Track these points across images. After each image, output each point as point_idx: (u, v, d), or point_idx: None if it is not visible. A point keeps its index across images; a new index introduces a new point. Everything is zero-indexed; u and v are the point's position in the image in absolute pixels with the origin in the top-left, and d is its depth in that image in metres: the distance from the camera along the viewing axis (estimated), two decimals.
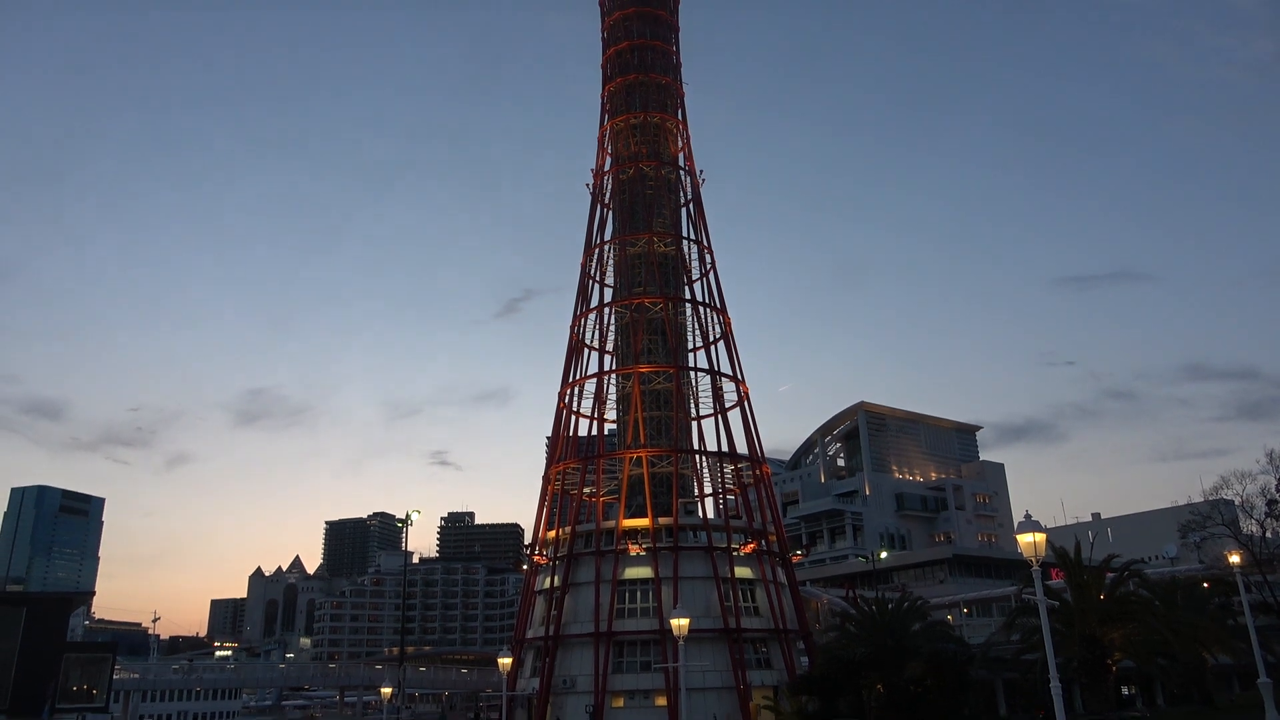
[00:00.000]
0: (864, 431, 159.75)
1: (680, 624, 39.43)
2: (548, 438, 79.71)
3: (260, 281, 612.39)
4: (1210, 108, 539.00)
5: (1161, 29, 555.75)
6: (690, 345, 72.73)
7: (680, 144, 78.62)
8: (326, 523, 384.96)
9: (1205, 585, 55.33)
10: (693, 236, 75.23)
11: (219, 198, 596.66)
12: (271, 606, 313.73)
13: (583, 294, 74.03)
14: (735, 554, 63.95)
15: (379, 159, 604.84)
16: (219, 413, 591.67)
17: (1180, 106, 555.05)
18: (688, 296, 73.00)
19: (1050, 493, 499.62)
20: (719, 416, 69.83)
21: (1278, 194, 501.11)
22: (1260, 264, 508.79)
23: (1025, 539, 22.92)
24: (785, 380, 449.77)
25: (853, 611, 57.89)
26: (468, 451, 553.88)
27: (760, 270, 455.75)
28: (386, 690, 69.25)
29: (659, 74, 78.26)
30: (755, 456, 69.50)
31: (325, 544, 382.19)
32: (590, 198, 77.15)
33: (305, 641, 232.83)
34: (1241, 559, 43.25)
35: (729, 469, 70.35)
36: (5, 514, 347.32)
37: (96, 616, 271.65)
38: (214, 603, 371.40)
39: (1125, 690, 62.50)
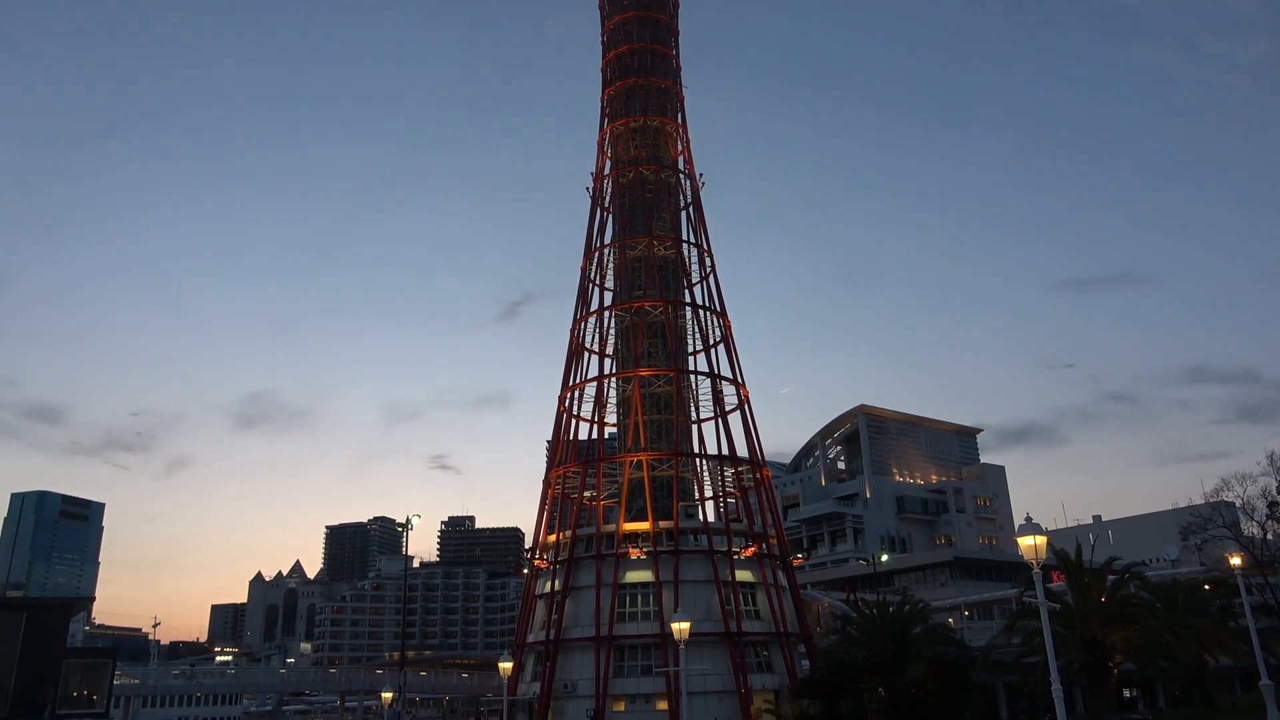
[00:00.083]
0: (864, 434, 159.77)
1: (681, 628, 39.40)
2: (548, 441, 79.73)
3: (261, 285, 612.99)
4: (1210, 110, 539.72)
5: (1161, 32, 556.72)
6: (690, 349, 72.77)
7: (680, 147, 78.71)
8: (327, 527, 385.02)
9: (1206, 587, 55.23)
10: (693, 240, 75.32)
11: (220, 202, 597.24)
12: (272, 611, 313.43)
13: (583, 297, 74.08)
14: (736, 557, 63.91)
15: (379, 163, 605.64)
16: (219, 417, 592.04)
17: (1180, 109, 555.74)
18: (688, 300, 73.05)
19: (1051, 495, 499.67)
20: (719, 420, 69.89)
21: (1278, 196, 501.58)
22: (1261, 266, 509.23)
23: (1026, 542, 22.91)
24: (785, 383, 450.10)
25: (854, 615, 57.86)
26: (468, 455, 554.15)
27: (760, 273, 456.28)
28: (387, 695, 69.29)
29: (659, 78, 78.37)
30: (756, 460, 69.48)
31: (326, 548, 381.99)
32: (590, 201, 77.24)
33: (306, 646, 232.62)
34: (1242, 561, 43.20)
35: (729, 472, 70.34)
36: (5, 519, 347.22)
37: (97, 622, 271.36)
38: (214, 608, 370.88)
39: (1127, 693, 62.47)
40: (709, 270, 74.30)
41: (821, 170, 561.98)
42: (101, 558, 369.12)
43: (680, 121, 79.06)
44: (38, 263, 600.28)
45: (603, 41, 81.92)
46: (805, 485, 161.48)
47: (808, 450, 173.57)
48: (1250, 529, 56.86)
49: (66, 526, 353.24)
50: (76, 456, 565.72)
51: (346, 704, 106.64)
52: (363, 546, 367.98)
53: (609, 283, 75.09)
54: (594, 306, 73.47)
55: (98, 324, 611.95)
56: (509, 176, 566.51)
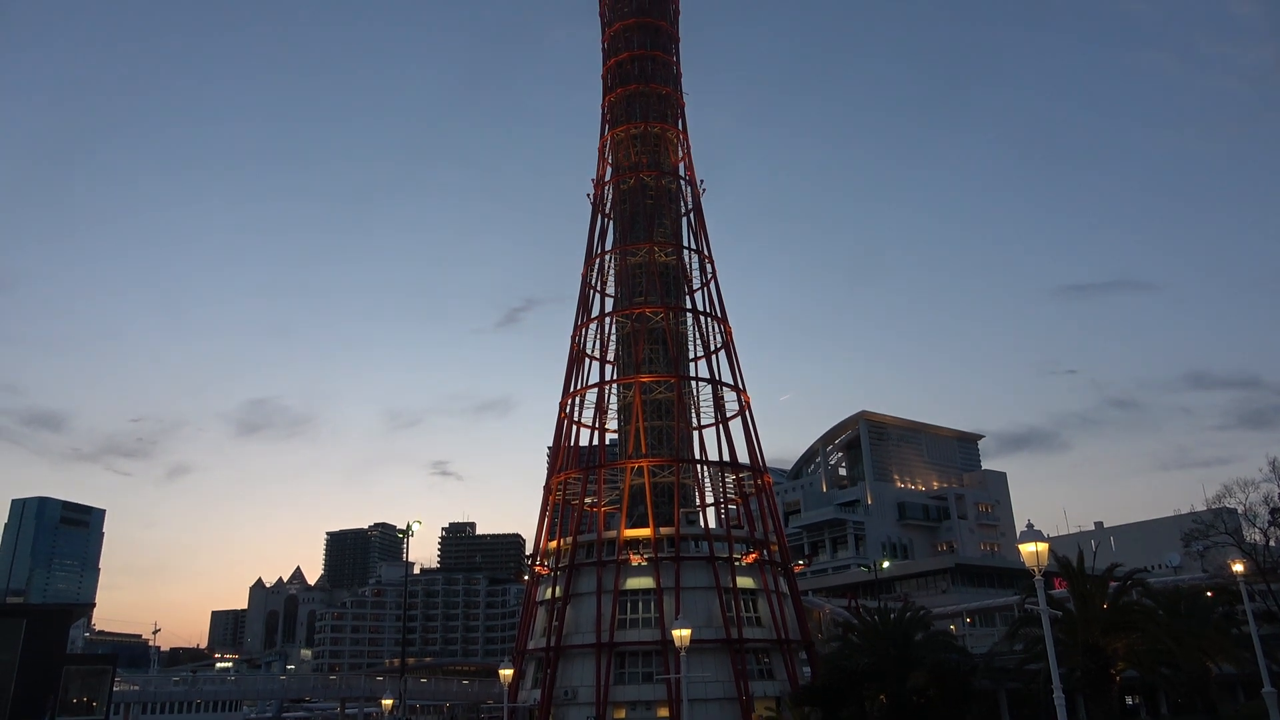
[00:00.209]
0: (865, 441, 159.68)
1: (682, 634, 39.34)
2: (549, 448, 79.55)
3: (262, 292, 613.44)
4: (1210, 115, 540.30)
5: (1161, 37, 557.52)
6: (691, 355, 72.78)
7: (680, 154, 78.83)
8: (327, 533, 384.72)
9: (1209, 594, 55.06)
10: (693, 246, 75.37)
11: (221, 210, 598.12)
12: (272, 618, 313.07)
13: (584, 304, 74.12)
14: (737, 564, 63.83)
15: (380, 169, 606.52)
16: (220, 423, 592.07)
17: (1180, 114, 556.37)
18: (689, 306, 73.09)
19: (1052, 502, 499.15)
20: (720, 426, 69.86)
21: (1279, 201, 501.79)
22: (1262, 272, 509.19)
23: (1027, 548, 22.90)
24: (786, 389, 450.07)
25: (855, 621, 57.74)
26: (469, 462, 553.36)
27: (761, 279, 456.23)
28: (388, 702, 69.09)
29: (659, 84, 78.52)
30: (757, 466, 69.43)
31: (326, 555, 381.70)
32: (591, 208, 77.35)
33: (306, 653, 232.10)
34: (1245, 568, 43.12)
35: (730, 478, 70.28)
36: (6, 526, 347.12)
37: (97, 628, 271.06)
38: (214, 614, 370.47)
39: (1129, 700, 62.27)
40: (710, 276, 74.40)
41: (822, 177, 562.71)
42: (102, 564, 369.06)
43: (681, 128, 79.19)
44: (39, 270, 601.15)
45: (603, 49, 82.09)
46: (806, 492, 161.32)
47: (809, 456, 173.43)
48: (1252, 535, 56.74)
49: (67, 533, 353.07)
50: (77, 463, 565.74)
51: (347, 710, 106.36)
52: (363, 553, 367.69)
53: (610, 289, 75.15)
54: (595, 313, 73.52)
55: (99, 331, 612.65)
56: (510, 183, 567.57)
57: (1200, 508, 75.17)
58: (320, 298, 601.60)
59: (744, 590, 63.92)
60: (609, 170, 77.74)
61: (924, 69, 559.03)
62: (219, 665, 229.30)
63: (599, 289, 74.71)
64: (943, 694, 46.68)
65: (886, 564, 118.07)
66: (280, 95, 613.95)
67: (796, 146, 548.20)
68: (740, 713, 57.95)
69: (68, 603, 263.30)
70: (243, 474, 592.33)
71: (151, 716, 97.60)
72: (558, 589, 64.51)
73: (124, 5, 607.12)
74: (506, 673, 60.81)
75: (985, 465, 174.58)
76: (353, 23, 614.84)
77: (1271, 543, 55.76)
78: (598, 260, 75.08)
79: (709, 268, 74.59)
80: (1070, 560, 44.80)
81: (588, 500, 68.96)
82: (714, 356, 71.92)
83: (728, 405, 70.71)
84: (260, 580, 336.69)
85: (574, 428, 71.50)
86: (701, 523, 69.30)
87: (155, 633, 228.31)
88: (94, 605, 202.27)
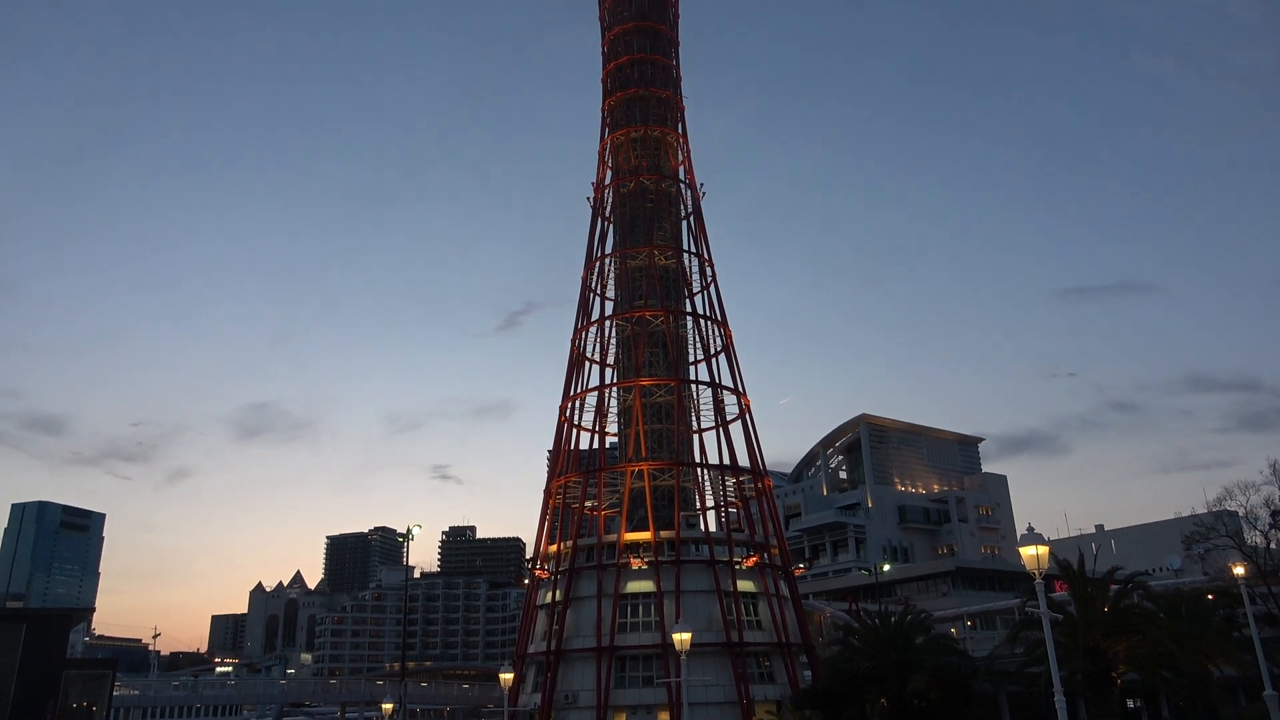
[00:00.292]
0: (866, 444, 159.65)
1: (682, 638, 39.30)
2: (549, 451, 79.57)
3: (262, 296, 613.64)
4: (1210, 118, 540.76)
5: (1161, 41, 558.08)
6: (691, 358, 72.72)
7: (680, 157, 78.86)
8: (327, 537, 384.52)
9: (1210, 597, 55.01)
10: (693, 249, 75.34)
11: (222, 214, 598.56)
12: (272, 622, 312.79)
13: (584, 307, 74.10)
14: (737, 567, 63.76)
15: (380, 173, 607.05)
16: (220, 427, 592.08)
17: (1180, 117, 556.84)
18: (688, 309, 73.06)
19: (1053, 504, 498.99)
20: (720, 429, 69.76)
21: (1279, 204, 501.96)
22: (1262, 274, 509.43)
23: (1028, 552, 22.88)
24: (786, 393, 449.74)
25: (856, 625, 57.65)
26: (469, 465, 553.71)
27: (761, 283, 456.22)
28: (388, 706, 68.86)
29: (659, 88, 78.56)
30: (757, 469, 69.37)
31: (326, 559, 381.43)
32: (591, 211, 77.37)
33: (306, 657, 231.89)
34: (1246, 571, 43.08)
35: (731, 482, 70.23)
36: (6, 530, 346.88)
37: (97, 633, 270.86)
38: (215, 618, 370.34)
39: (1130, 703, 62.13)
40: (710, 280, 74.38)
41: (822, 181, 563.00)
42: (102, 568, 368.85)
43: (680, 131, 79.24)
44: (39, 274, 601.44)
45: (603, 53, 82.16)
46: (807, 495, 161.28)
47: (809, 460, 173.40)
48: (1253, 538, 56.63)
49: (67, 537, 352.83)
50: (77, 467, 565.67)
51: (347, 715, 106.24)
52: (363, 557, 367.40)
53: (610, 292, 75.11)
54: (595, 316, 73.49)
55: (99, 335, 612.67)
56: (510, 186, 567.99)
57: (1201, 510, 75.20)
58: (320, 302, 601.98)
59: (744, 594, 63.83)
60: (609, 174, 77.77)
61: (924, 73, 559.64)
62: (219, 669, 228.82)
63: (599, 292, 74.71)
64: (944, 697, 46.62)
65: (887, 567, 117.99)
66: (281, 101, 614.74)
67: (797, 151, 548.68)
68: (741, 716, 57.83)
69: (68, 607, 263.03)
70: (243, 478, 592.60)
71: None
72: (558, 593, 64.43)
73: (128, 13, 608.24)
74: (507, 677, 60.73)
75: (985, 468, 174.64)
76: (353, 29, 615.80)
77: (1272, 545, 55.66)
78: (597, 264, 75.07)
79: (709, 271, 74.63)
80: (1071, 563, 44.74)
81: (588, 504, 68.89)
82: (714, 360, 71.90)
83: (728, 409, 70.70)
84: (260, 584, 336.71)
85: (574, 431, 71.49)
86: (702, 526, 69.18)
87: (155, 637, 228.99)
88: (94, 609, 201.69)
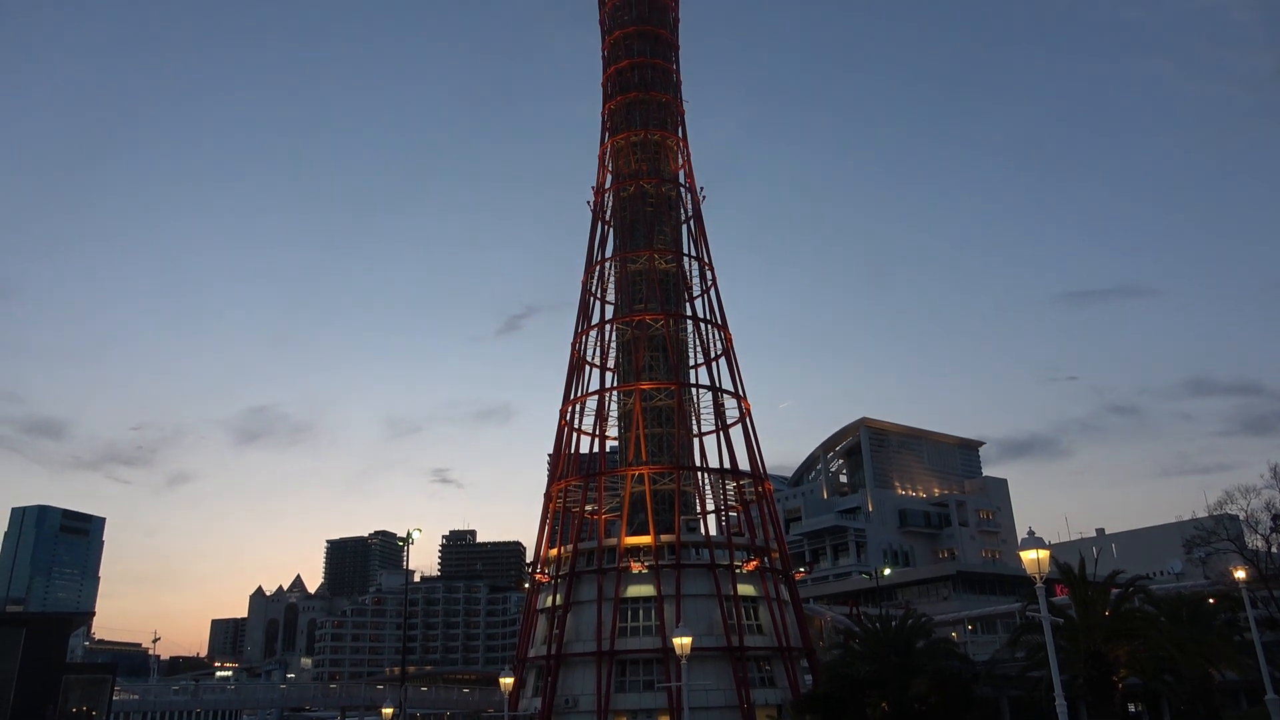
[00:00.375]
0: (866, 447, 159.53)
1: (683, 642, 39.24)
2: (549, 455, 79.57)
3: (262, 300, 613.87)
4: (1210, 123, 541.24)
5: (1161, 45, 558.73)
6: (692, 362, 72.70)
7: (681, 161, 78.89)
8: (327, 541, 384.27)
9: (1211, 601, 54.92)
10: (693, 253, 75.34)
11: (222, 219, 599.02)
12: (272, 626, 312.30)
13: (584, 311, 74.09)
14: (738, 571, 63.67)
15: (381, 177, 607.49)
16: (220, 431, 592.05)
17: (1180, 122, 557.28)
18: (689, 313, 73.03)
19: (1054, 508, 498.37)
20: (721, 433, 69.74)
21: (1279, 208, 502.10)
22: (1262, 278, 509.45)
23: (1029, 555, 22.84)
24: (787, 396, 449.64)
25: (856, 629, 57.57)
26: (469, 469, 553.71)
27: (761, 287, 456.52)
28: (388, 711, 68.76)
29: (659, 92, 78.63)
30: (757, 473, 69.31)
31: (326, 563, 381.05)
32: (591, 215, 77.38)
33: (306, 661, 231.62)
34: (1247, 574, 43.00)
35: (731, 486, 70.16)
36: (6, 534, 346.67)
37: (96, 637, 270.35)
38: (214, 623, 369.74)
39: (1131, 707, 62.06)
40: (710, 283, 74.37)
41: (823, 185, 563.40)
42: (102, 572, 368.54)
43: (681, 135, 79.29)
44: (40, 278, 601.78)
45: (603, 56, 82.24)
46: (807, 499, 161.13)
47: (810, 463, 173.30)
48: (1254, 542, 56.57)
49: (67, 541, 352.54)
50: (77, 471, 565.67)
51: (347, 719, 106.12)
52: (363, 561, 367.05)
53: (610, 296, 75.09)
54: (595, 320, 73.50)
55: (99, 339, 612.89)
56: (510, 191, 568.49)
57: (1202, 514, 75.08)
58: (321, 306, 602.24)
59: (745, 598, 63.73)
60: (609, 178, 77.80)
61: (924, 79, 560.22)
62: (219, 674, 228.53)
63: (599, 296, 74.69)
64: (944, 701, 46.52)
65: (888, 571, 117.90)
66: (281, 107, 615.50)
67: (798, 155, 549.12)
68: None
69: (67, 611, 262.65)
70: (243, 482, 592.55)
71: None
72: (558, 597, 64.33)
73: (131, 19, 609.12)
74: (507, 681, 60.63)
75: (986, 472, 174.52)
76: (352, 35, 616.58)
77: (1273, 549, 55.60)
78: (598, 267, 75.08)
79: (709, 275, 74.63)
80: (1072, 567, 44.68)
81: (588, 508, 68.82)
82: (714, 363, 71.87)
83: (728, 412, 70.64)
84: (260, 588, 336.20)
85: (574, 435, 71.43)
86: (702, 530, 69.08)
87: (155, 641, 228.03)
88: (94, 614, 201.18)
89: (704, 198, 77.89)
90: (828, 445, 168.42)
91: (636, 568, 62.37)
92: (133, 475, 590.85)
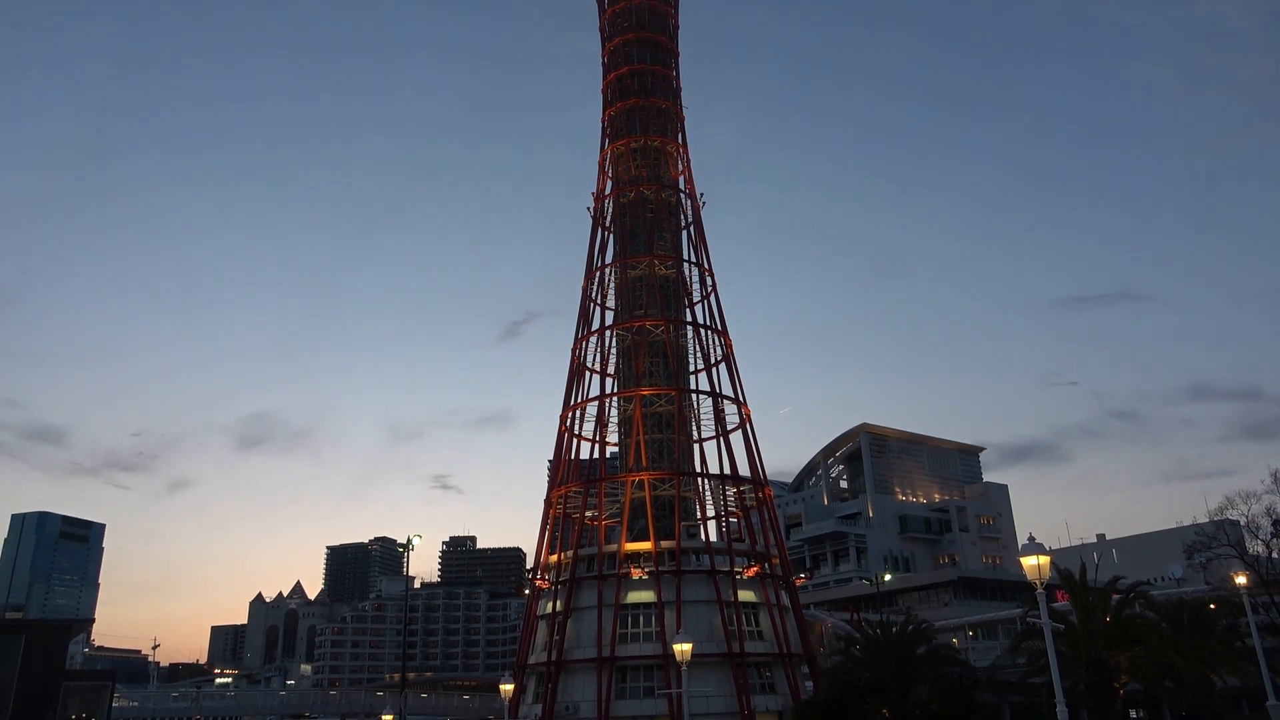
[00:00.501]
0: (866, 453, 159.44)
1: (683, 649, 39.23)
2: (549, 461, 79.38)
3: (262, 306, 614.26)
4: (1210, 128, 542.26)
5: (1160, 51, 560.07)
6: (692, 368, 72.75)
7: (681, 167, 79.04)
8: (327, 547, 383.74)
9: (1212, 607, 54.90)
10: (693, 259, 75.44)
11: (222, 225, 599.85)
12: (272, 632, 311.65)
13: (584, 317, 74.13)
14: (738, 577, 63.61)
15: (381, 182, 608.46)
16: (220, 437, 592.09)
17: (1179, 128, 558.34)
18: (689, 319, 73.09)
19: (1054, 514, 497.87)
20: (721, 439, 69.71)
21: (1279, 213, 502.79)
22: (1262, 284, 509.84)
23: (1029, 561, 22.87)
24: (787, 402, 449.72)
25: (857, 635, 57.60)
26: (469, 475, 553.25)
27: (761, 292, 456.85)
28: (388, 717, 68.94)
29: (659, 98, 78.81)
30: (758, 479, 69.29)
31: (326, 569, 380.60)
32: (591, 221, 77.48)
33: (306, 668, 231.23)
34: (1248, 580, 43.04)
35: (731, 491, 70.12)
36: (5, 540, 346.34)
37: (96, 643, 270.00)
38: (214, 629, 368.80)
39: (1133, 714, 61.93)
40: (710, 289, 74.46)
41: (823, 191, 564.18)
42: (101, 579, 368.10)
43: (681, 141, 79.44)
44: (40, 285, 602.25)
45: (603, 63, 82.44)
46: (808, 504, 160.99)
47: (810, 469, 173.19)
48: (1255, 548, 56.59)
49: (67, 547, 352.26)
50: (77, 477, 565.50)
51: None
52: (364, 567, 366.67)
53: (610, 302, 75.16)
54: (595, 326, 73.52)
55: (99, 345, 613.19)
56: (511, 197, 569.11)
57: (1202, 519, 74.93)
58: (321, 311, 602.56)
59: (745, 604, 63.66)
60: (609, 184, 77.93)
61: (924, 84, 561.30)
62: (218, 680, 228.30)
63: (599, 302, 74.76)
64: (945, 708, 46.45)
65: (888, 577, 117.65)
66: (283, 114, 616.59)
67: (798, 161, 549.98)
68: None
69: (67, 618, 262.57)
70: (243, 488, 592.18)
71: None
72: (558, 603, 64.25)
73: (136, 28, 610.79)
74: (507, 687, 60.56)
75: (987, 477, 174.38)
76: (352, 41, 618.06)
77: (1274, 555, 55.59)
78: (598, 273, 75.15)
79: (709, 281, 74.69)
80: (1072, 573, 44.69)
81: (588, 514, 68.77)
82: (714, 369, 71.92)
83: (728, 418, 70.65)
84: (260, 595, 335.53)
85: (574, 441, 71.40)
86: (702, 536, 69.03)
87: (155, 648, 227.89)
88: (93, 620, 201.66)
89: (704, 203, 78.10)
90: (828, 451, 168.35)
91: (637, 574, 62.32)
92: (133, 481, 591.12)
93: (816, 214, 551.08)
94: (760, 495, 68.88)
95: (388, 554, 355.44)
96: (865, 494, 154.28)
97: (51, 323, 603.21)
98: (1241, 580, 42.27)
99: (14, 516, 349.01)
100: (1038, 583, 22.79)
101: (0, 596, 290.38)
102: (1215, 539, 55.73)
